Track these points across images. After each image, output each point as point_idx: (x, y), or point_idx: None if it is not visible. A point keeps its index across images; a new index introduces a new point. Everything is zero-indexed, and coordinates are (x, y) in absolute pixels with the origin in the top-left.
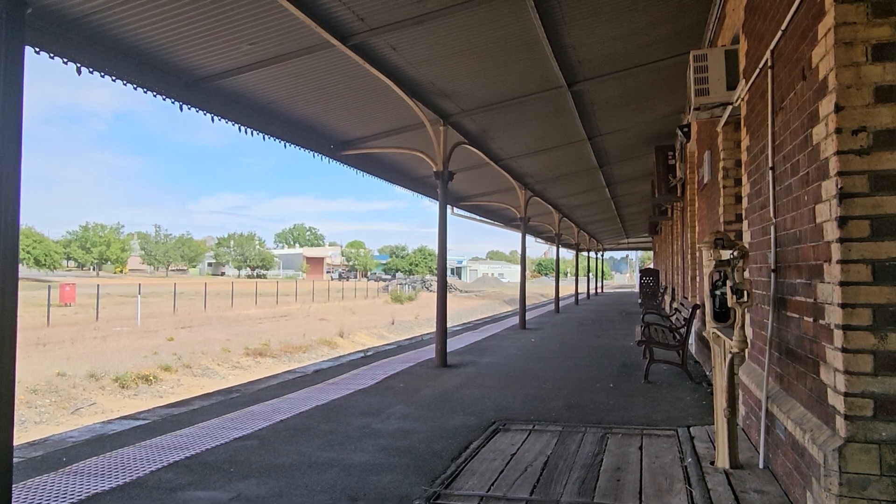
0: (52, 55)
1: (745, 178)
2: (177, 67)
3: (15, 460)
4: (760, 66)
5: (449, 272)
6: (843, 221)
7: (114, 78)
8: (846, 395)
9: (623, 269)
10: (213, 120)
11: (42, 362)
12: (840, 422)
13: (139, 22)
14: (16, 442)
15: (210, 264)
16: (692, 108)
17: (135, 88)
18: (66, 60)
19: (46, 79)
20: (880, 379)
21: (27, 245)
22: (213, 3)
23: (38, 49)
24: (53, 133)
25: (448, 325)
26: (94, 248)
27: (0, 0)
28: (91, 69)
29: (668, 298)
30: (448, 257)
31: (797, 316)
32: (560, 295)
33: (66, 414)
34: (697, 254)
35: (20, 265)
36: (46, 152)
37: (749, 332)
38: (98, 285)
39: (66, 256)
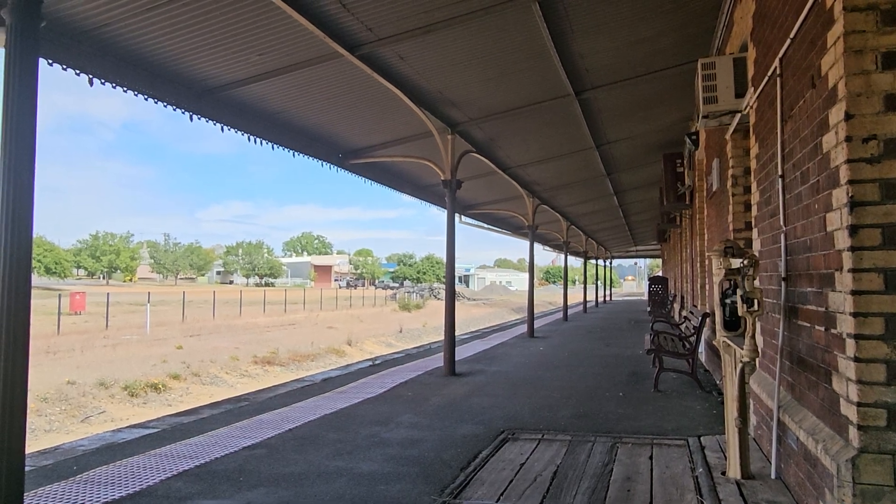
0: (64, 67)
1: (754, 186)
2: (187, 78)
3: (26, 469)
4: (769, 74)
5: (457, 280)
6: (854, 230)
7: (125, 89)
8: (859, 405)
9: (631, 276)
10: (222, 129)
11: (52, 370)
12: (853, 432)
13: (151, 34)
14: (27, 450)
15: (219, 273)
16: (700, 115)
17: (146, 99)
18: (78, 72)
19: (56, 88)
20: (894, 389)
21: (38, 254)
22: (223, 15)
23: (51, 61)
24: (63, 142)
25: (456, 334)
26: (103, 257)
27: (15, 14)
28: (103, 80)
29: (677, 307)
30: (456, 265)
31: (808, 325)
32: (568, 303)
33: (75, 422)
34: (707, 262)
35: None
36: (56, 161)
37: (760, 340)
38: (108, 294)
39: (76, 265)
